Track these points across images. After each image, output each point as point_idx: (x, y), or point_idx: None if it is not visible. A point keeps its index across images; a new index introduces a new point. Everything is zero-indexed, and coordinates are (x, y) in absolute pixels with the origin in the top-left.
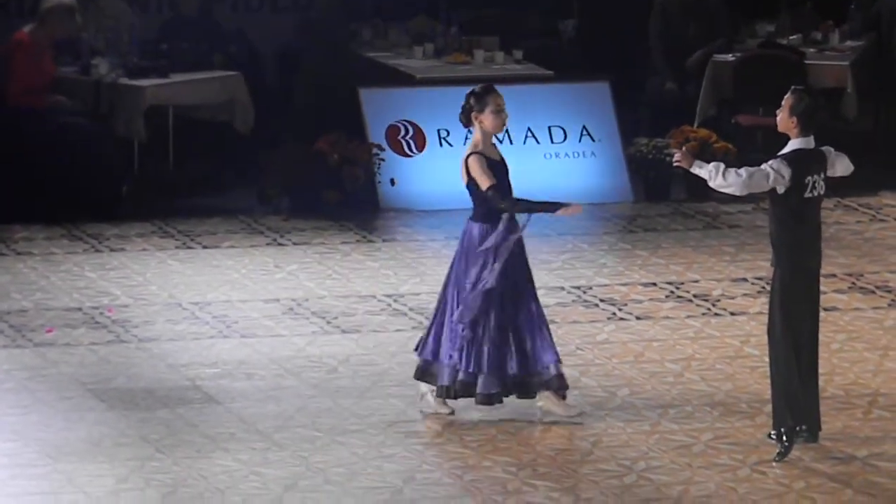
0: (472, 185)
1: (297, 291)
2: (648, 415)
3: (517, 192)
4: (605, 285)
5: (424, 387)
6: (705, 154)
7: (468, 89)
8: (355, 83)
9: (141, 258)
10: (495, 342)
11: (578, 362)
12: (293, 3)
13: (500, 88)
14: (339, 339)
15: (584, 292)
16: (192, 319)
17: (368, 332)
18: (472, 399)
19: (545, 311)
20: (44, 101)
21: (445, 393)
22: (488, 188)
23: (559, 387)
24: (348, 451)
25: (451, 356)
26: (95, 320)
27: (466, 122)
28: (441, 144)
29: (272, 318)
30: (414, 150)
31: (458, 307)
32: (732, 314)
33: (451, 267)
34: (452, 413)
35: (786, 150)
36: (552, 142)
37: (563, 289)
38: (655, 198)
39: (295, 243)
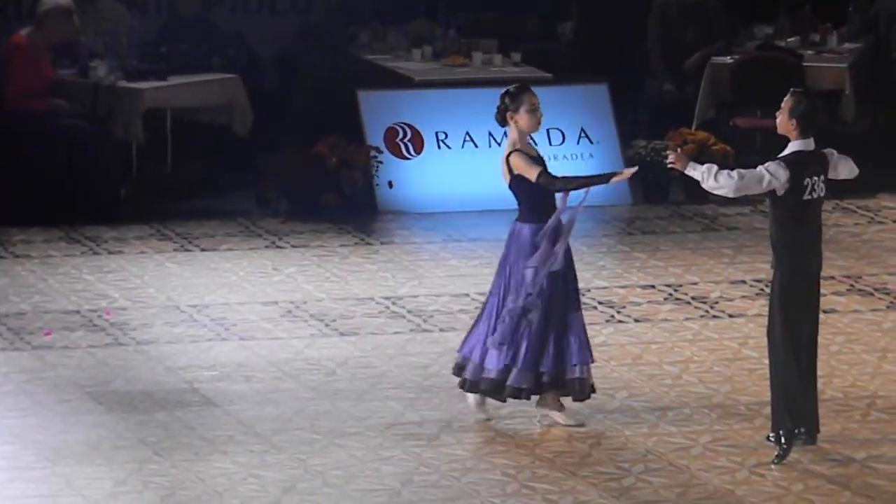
0: (516, 182)
1: (296, 294)
2: (647, 417)
3: (512, 195)
4: (604, 287)
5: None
6: (704, 156)
7: (467, 92)
8: (354, 86)
9: (139, 261)
10: (535, 340)
11: None
12: (292, 6)
13: (497, 91)
14: (338, 342)
15: (583, 294)
16: (191, 322)
17: (366, 335)
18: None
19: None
20: (42, 105)
21: (470, 387)
22: (538, 176)
23: (580, 391)
24: (346, 454)
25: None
26: (93, 323)
27: (502, 122)
28: (439, 147)
29: (270, 321)
30: (412, 152)
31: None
32: (731, 316)
33: (502, 273)
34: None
35: (785, 152)
36: (550, 144)
37: None
38: (654, 200)
39: (293, 246)
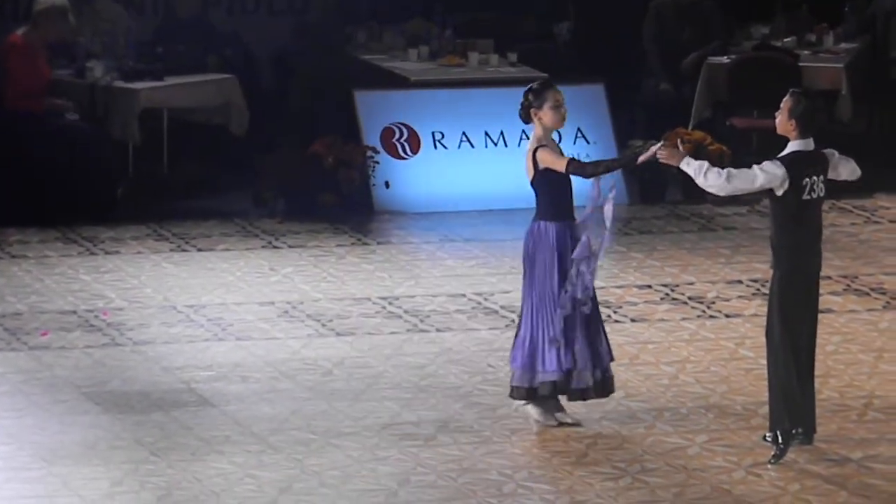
0: (539, 178)
1: (292, 294)
2: (643, 417)
3: (517, 192)
4: (601, 288)
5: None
6: (700, 156)
7: (463, 92)
8: (350, 86)
9: (136, 261)
10: (591, 337)
11: None
12: (288, 6)
13: (493, 91)
14: (334, 342)
15: None
16: (187, 322)
17: (363, 335)
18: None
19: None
20: (40, 104)
21: (519, 394)
22: (568, 165)
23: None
24: (343, 454)
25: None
26: (90, 323)
27: (526, 119)
28: (435, 147)
29: (267, 321)
30: (408, 152)
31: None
32: (727, 316)
33: (535, 274)
34: (575, 424)
35: (784, 152)
36: None
37: None
38: (651, 200)
39: (290, 246)
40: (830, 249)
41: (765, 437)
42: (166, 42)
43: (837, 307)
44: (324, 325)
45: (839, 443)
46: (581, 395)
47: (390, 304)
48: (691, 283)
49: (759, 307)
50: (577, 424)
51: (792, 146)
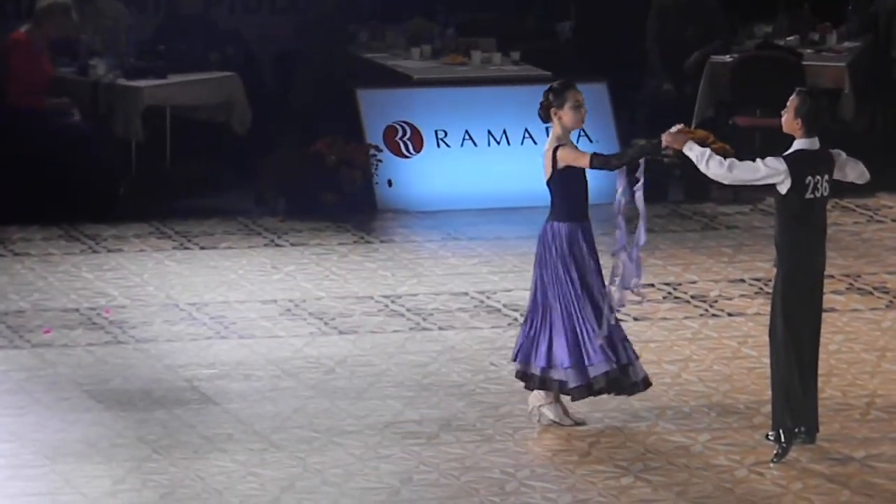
0: (557, 177)
1: (295, 292)
2: (646, 416)
3: (519, 190)
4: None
5: (534, 399)
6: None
7: (466, 91)
8: (353, 84)
9: (138, 259)
10: (617, 334)
11: None
12: (291, 5)
13: (496, 90)
14: (337, 340)
15: None
16: (190, 320)
17: (366, 333)
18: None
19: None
20: (42, 102)
21: (581, 393)
22: (591, 160)
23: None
24: (345, 452)
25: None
26: (93, 321)
27: (545, 118)
28: (438, 145)
29: (269, 319)
30: (411, 151)
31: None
32: (730, 315)
33: (548, 276)
34: (579, 423)
35: (789, 150)
36: None
37: None
38: (653, 199)
39: (292, 244)
40: (833, 248)
41: (767, 435)
42: (168, 40)
43: (840, 306)
44: (326, 324)
45: (842, 442)
46: (634, 388)
47: (393, 302)
48: (694, 282)
49: (762, 306)
50: (579, 424)
51: (797, 145)
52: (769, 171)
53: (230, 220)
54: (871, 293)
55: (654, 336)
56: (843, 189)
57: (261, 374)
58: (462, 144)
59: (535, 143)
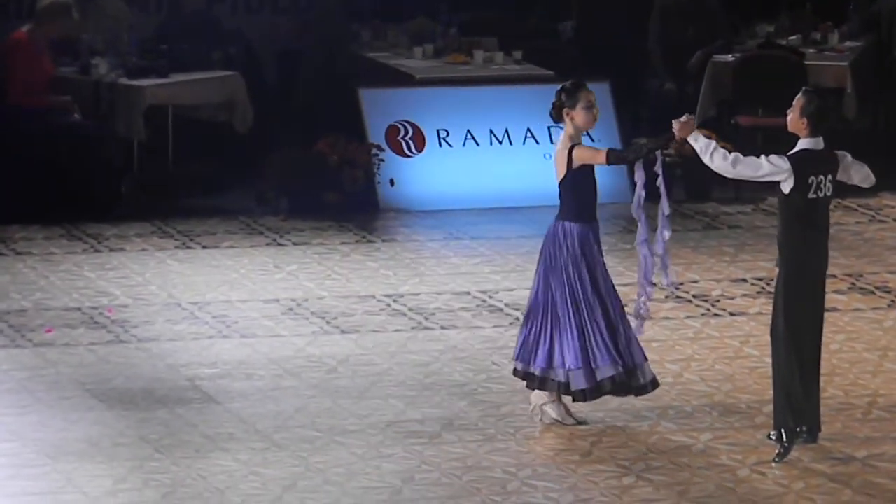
0: (570, 177)
1: (297, 292)
2: (647, 415)
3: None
4: None
5: (536, 398)
6: None
7: (468, 90)
8: (355, 83)
9: (140, 258)
10: (629, 335)
11: None
12: (293, 4)
13: (498, 89)
14: (339, 340)
15: None
16: (192, 319)
17: (368, 333)
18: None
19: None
20: (44, 101)
21: (586, 396)
22: (607, 156)
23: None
24: (347, 452)
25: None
26: (94, 320)
27: (557, 118)
28: (440, 145)
29: (271, 319)
30: (413, 150)
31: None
32: (732, 315)
33: (557, 275)
34: (581, 423)
35: (793, 149)
36: (552, 142)
37: None
38: (655, 198)
39: (294, 243)
40: (835, 248)
41: (769, 435)
42: (170, 39)
43: (842, 306)
44: (328, 323)
45: (844, 441)
46: (643, 389)
47: (395, 301)
48: (696, 282)
49: (764, 305)
50: (581, 423)
51: (801, 144)
52: (772, 168)
53: (232, 220)
54: (872, 293)
55: (656, 335)
56: (845, 189)
57: (263, 373)
58: (464, 144)
59: (536, 142)
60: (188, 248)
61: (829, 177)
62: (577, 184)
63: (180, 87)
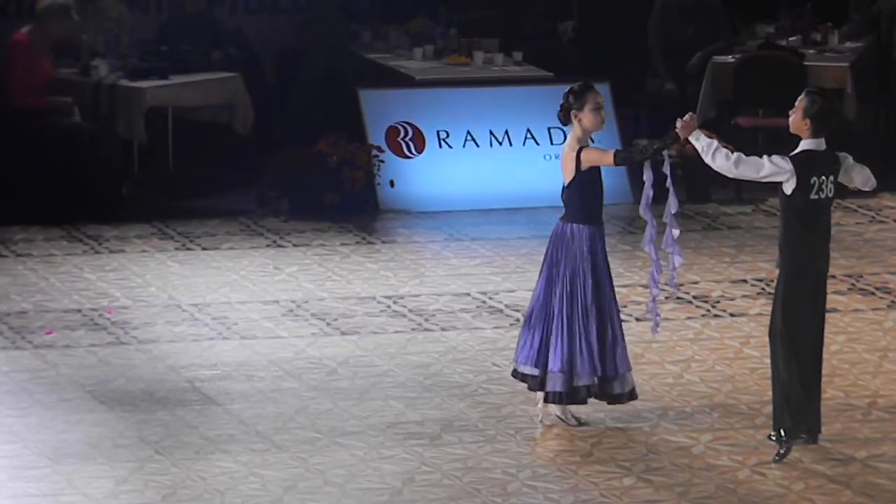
0: (578, 179)
1: (297, 293)
2: (648, 416)
3: (521, 191)
4: None
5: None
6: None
7: (468, 91)
8: (355, 84)
9: (140, 260)
10: (616, 343)
11: None
12: (293, 5)
13: (498, 90)
14: (339, 341)
15: None
16: (192, 321)
17: (368, 334)
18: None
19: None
20: (44, 103)
21: (558, 399)
22: (615, 157)
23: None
24: (348, 453)
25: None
26: (95, 322)
27: (565, 120)
28: (440, 146)
29: (272, 320)
30: (413, 151)
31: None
32: (732, 315)
33: (560, 276)
34: (581, 424)
35: (795, 150)
36: (552, 143)
37: None
38: (655, 199)
39: (294, 245)
40: (835, 248)
41: (770, 436)
42: (171, 41)
43: (842, 306)
44: (328, 324)
45: (844, 442)
46: (613, 399)
47: (395, 302)
48: (696, 283)
49: (764, 306)
50: (582, 424)
51: (803, 145)
52: (774, 168)
53: (232, 221)
54: (873, 293)
55: (657, 337)
56: (845, 189)
57: (263, 374)
58: (464, 145)
59: (536, 143)
60: (188, 249)
61: (831, 178)
62: (586, 186)
63: (180, 88)
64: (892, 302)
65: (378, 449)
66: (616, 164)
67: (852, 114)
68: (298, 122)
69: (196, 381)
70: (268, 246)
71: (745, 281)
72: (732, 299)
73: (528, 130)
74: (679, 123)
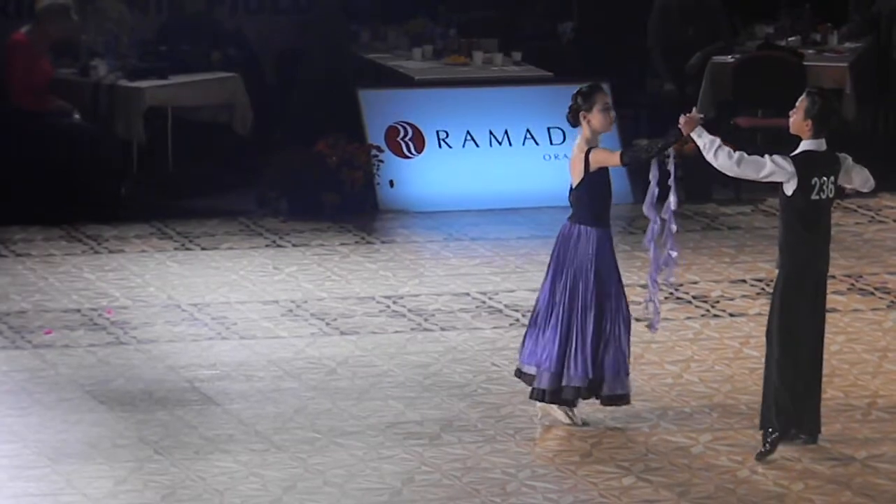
0: (588, 180)
1: (296, 293)
2: (647, 416)
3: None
4: None
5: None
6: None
7: (467, 91)
8: (354, 85)
9: (140, 259)
10: (621, 343)
11: None
12: (293, 5)
13: (497, 90)
14: (338, 341)
15: None
16: (191, 321)
17: (367, 334)
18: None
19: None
20: (43, 103)
21: (540, 396)
22: (622, 157)
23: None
24: (347, 453)
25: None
26: (94, 322)
27: (574, 122)
28: (440, 146)
29: (271, 320)
30: (413, 151)
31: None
32: (732, 315)
33: (565, 276)
34: (582, 424)
35: (796, 150)
36: (551, 143)
37: None
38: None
39: (294, 245)
40: (835, 249)
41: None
42: (170, 41)
43: (842, 307)
44: (328, 324)
45: (843, 442)
46: (610, 400)
47: (394, 302)
48: (695, 283)
49: (763, 306)
50: (583, 424)
51: (804, 146)
52: (775, 168)
53: (231, 221)
54: (872, 294)
55: (656, 337)
56: (841, 192)
57: (262, 374)
58: (463, 145)
59: (536, 143)
60: (188, 249)
61: (832, 178)
62: (594, 187)
63: (180, 88)
64: (892, 302)
65: (377, 449)
66: (623, 164)
67: (851, 114)
68: (298, 123)
69: (195, 381)
70: (267, 246)
71: (744, 281)
72: (732, 299)
73: (528, 130)
74: (682, 120)
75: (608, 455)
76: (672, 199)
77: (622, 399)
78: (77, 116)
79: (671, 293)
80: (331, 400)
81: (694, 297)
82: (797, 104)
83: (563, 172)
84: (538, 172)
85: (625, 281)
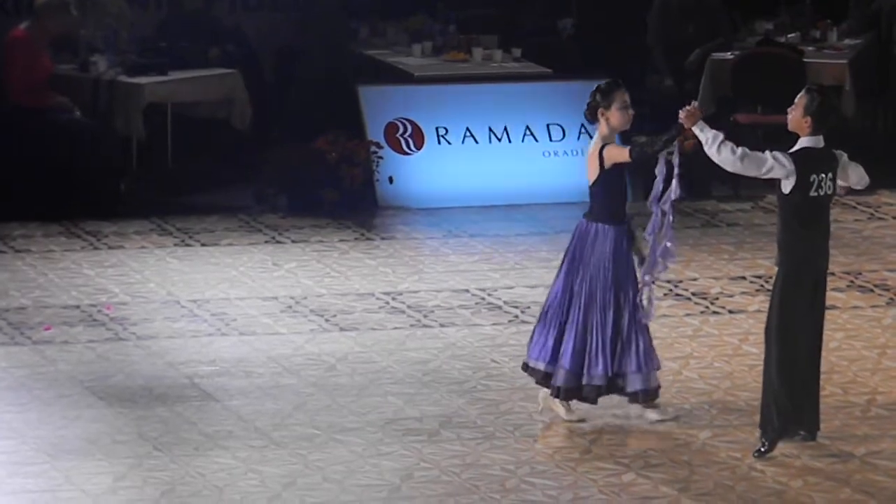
0: (604, 177)
1: (296, 289)
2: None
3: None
4: None
5: (545, 394)
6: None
7: (467, 87)
8: (354, 81)
9: (139, 256)
10: (633, 340)
11: None
12: (292, 1)
13: (497, 87)
14: (338, 337)
15: None
16: (191, 317)
17: (367, 330)
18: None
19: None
20: (42, 99)
21: (562, 394)
22: (630, 152)
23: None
24: (346, 449)
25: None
26: (93, 318)
27: (592, 119)
28: (439, 142)
29: (270, 316)
30: (412, 147)
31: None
32: (731, 312)
33: (582, 274)
34: (580, 420)
35: (794, 147)
36: (551, 140)
37: None
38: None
39: (293, 241)
40: (834, 246)
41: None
42: (170, 37)
43: (841, 304)
44: (327, 321)
45: (842, 439)
46: (639, 396)
47: (394, 299)
48: (695, 279)
49: (763, 303)
50: (580, 420)
51: (802, 142)
52: (775, 164)
53: (231, 217)
54: (871, 290)
55: (655, 333)
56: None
57: (262, 370)
58: (463, 141)
59: (535, 140)
60: (187, 245)
61: (830, 175)
62: (610, 184)
63: (179, 84)
64: (891, 299)
65: (377, 445)
66: (632, 158)
67: (851, 111)
68: (297, 119)
69: (195, 377)
70: (266, 242)
71: (743, 278)
72: (731, 296)
73: (527, 127)
74: (682, 114)
75: (608, 451)
76: (675, 186)
77: (647, 394)
78: (76, 113)
79: (670, 290)
80: (330, 396)
81: (693, 294)
82: (796, 101)
83: (563, 169)
84: (538, 169)
85: None
